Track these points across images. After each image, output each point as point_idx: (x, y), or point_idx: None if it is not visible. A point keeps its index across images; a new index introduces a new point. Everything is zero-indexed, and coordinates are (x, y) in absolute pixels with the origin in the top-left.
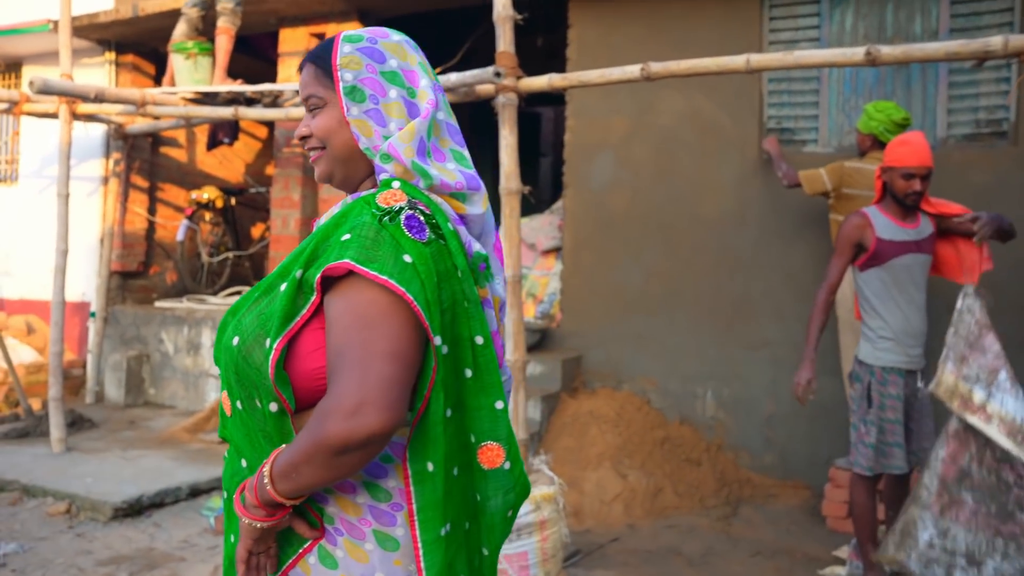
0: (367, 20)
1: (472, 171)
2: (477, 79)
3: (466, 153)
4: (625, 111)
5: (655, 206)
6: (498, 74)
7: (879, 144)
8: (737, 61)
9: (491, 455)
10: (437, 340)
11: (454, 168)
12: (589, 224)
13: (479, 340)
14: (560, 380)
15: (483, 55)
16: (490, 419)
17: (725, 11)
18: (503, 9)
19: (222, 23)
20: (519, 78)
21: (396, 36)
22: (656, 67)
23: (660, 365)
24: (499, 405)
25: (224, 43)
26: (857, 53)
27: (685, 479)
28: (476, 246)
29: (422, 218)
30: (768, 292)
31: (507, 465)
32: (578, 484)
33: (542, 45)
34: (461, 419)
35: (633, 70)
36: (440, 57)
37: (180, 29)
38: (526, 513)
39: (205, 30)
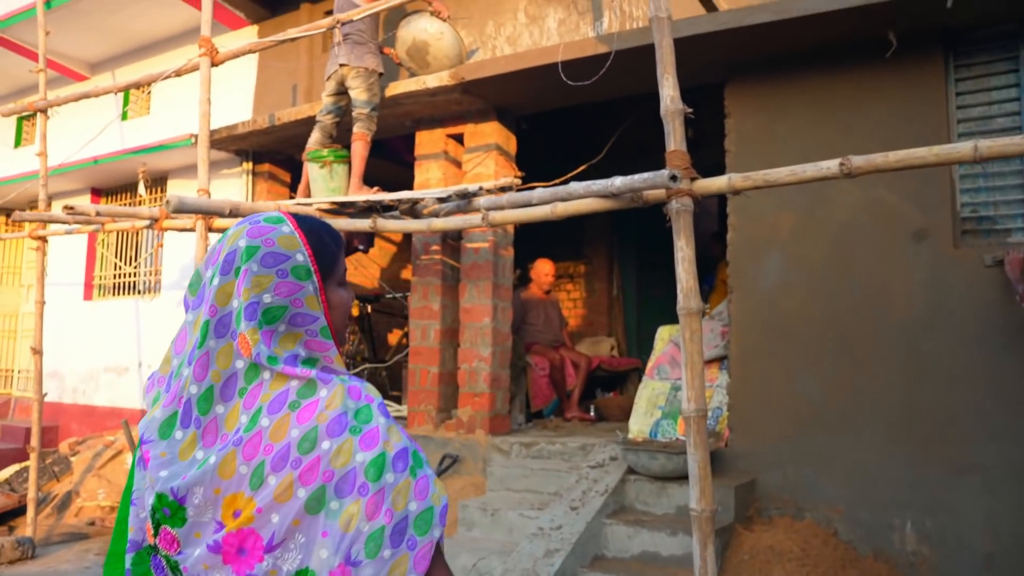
0: (505, 118)
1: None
2: (648, 183)
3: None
4: (794, 205)
5: (833, 309)
6: (674, 177)
7: None
8: (962, 149)
9: None
10: None
11: None
12: (758, 330)
13: None
14: (733, 509)
15: (623, 147)
16: None
17: (902, 88)
18: (671, 103)
19: (358, 128)
20: (693, 179)
21: None
22: (859, 161)
23: (847, 490)
24: None
25: (360, 149)
26: None
27: None
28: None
29: None
30: (975, 407)
31: None
32: None
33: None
34: None
35: (830, 166)
36: (583, 153)
37: (314, 137)
38: None
39: (339, 137)
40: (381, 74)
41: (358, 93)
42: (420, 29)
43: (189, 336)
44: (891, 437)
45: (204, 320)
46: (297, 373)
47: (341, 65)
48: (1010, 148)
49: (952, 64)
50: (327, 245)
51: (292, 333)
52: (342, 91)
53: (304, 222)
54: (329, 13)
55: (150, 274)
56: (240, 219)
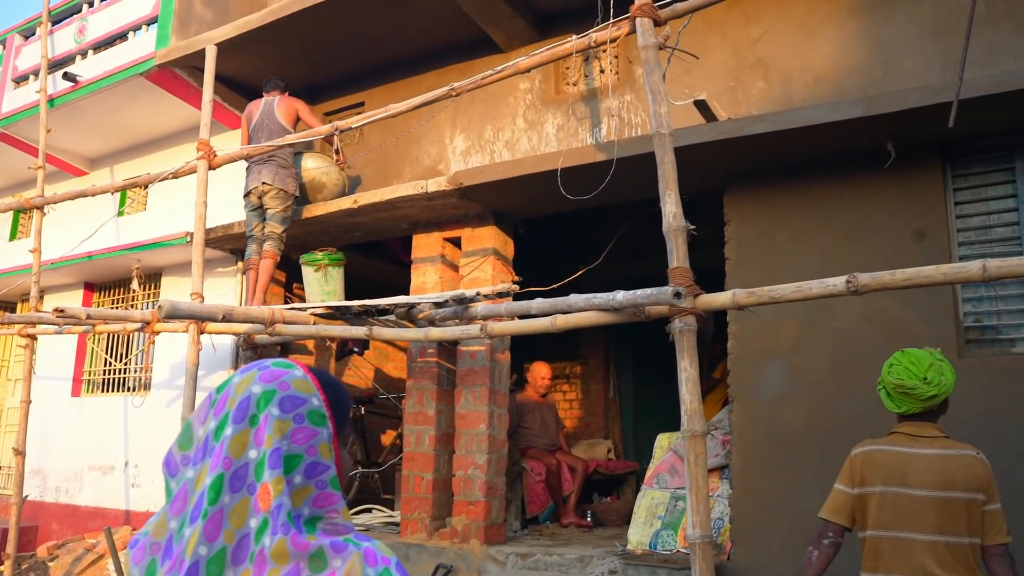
0: (502, 223)
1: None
2: (652, 300)
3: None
4: (794, 314)
5: (837, 421)
6: (678, 295)
7: None
8: (970, 269)
9: None
10: None
11: None
12: (761, 442)
13: None
14: None
15: (620, 248)
16: None
17: (903, 197)
18: (674, 220)
19: (269, 247)
20: (696, 295)
21: None
22: (866, 279)
23: None
24: None
25: (268, 267)
26: None
27: None
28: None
29: None
30: None
31: None
32: None
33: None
34: None
35: (837, 283)
36: (580, 254)
37: (252, 248)
38: None
39: (331, 241)
40: (297, 197)
41: (275, 213)
42: (323, 172)
43: (190, 495)
44: None
45: (216, 474)
46: (307, 545)
47: (264, 183)
48: (1018, 268)
49: (950, 174)
50: (341, 396)
51: (305, 487)
52: (261, 205)
53: (314, 369)
54: (328, 115)
55: (141, 371)
56: (242, 367)
